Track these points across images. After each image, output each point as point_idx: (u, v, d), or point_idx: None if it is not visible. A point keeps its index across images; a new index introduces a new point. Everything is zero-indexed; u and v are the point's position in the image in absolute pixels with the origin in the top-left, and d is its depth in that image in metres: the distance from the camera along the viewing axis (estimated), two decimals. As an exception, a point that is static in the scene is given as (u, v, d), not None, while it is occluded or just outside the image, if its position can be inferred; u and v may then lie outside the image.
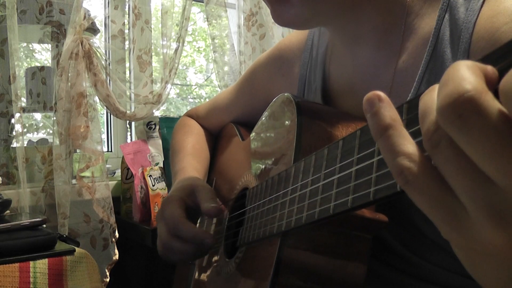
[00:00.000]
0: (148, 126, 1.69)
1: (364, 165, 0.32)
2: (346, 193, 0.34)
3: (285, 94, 0.61)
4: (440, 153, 0.24)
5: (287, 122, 0.58)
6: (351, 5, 0.55)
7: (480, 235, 0.24)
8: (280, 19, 0.56)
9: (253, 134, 0.73)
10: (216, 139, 0.96)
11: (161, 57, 1.73)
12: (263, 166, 0.64)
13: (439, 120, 0.23)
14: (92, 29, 1.55)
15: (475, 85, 0.22)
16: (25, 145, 1.45)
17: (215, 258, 0.73)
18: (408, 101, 0.28)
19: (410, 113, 0.27)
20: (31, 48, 1.78)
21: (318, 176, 0.40)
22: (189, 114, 1.00)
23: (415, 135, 0.26)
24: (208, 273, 0.75)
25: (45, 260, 1.01)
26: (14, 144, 1.43)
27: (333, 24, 0.60)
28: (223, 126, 0.93)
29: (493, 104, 0.21)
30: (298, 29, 0.72)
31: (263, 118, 0.69)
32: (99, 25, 1.64)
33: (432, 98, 0.24)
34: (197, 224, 0.83)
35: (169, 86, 1.71)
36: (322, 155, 0.41)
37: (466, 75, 0.22)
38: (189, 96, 2.68)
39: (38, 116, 1.68)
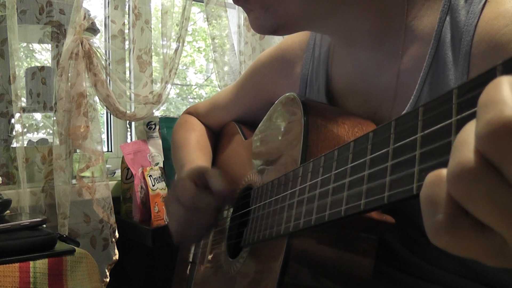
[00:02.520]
0: (148, 126, 1.69)
1: (377, 169, 0.32)
2: (358, 195, 0.34)
3: (290, 93, 0.61)
4: (476, 189, 0.21)
5: (293, 121, 0.58)
6: (328, 10, 0.56)
7: None
8: (253, 27, 0.59)
9: (257, 133, 0.73)
10: (217, 138, 0.95)
11: (161, 57, 1.73)
12: (268, 166, 0.64)
13: (483, 149, 0.21)
14: (92, 29, 1.55)
15: None
16: (25, 145, 1.45)
17: (217, 258, 0.72)
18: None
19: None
20: (31, 48, 1.78)
21: (328, 177, 0.40)
22: (189, 112, 1.00)
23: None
24: (209, 273, 0.75)
25: (45, 260, 1.01)
26: (14, 144, 1.43)
27: (318, 28, 0.62)
28: (223, 125, 0.93)
29: None
30: (274, 35, 0.73)
31: (267, 117, 0.69)
32: (99, 25, 1.64)
33: (469, 134, 0.22)
34: None
35: (169, 86, 1.71)
36: (331, 156, 0.40)
37: (509, 98, 0.20)
38: (189, 96, 2.68)
39: (38, 116, 1.67)
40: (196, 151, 0.86)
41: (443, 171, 0.23)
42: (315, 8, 0.54)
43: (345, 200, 0.36)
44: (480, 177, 0.21)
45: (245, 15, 1.96)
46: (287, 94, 0.62)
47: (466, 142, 0.22)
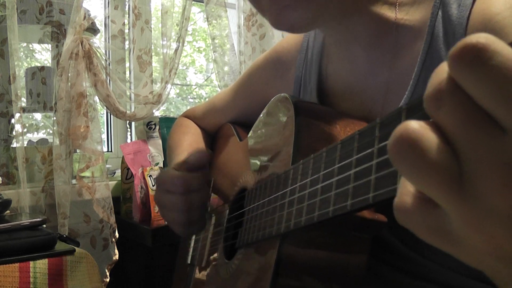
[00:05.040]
0: (148, 126, 1.69)
1: (362, 168, 0.32)
2: (345, 195, 0.34)
3: (283, 94, 0.61)
4: (445, 105, 0.22)
5: (285, 122, 0.58)
6: (348, 5, 0.55)
7: (485, 200, 0.22)
8: (281, 23, 0.55)
9: (251, 134, 0.73)
10: (213, 139, 0.96)
11: (161, 57, 1.73)
12: (262, 167, 0.64)
13: (450, 67, 0.21)
14: (92, 29, 1.55)
15: (488, 36, 0.21)
16: (25, 145, 1.45)
17: (215, 259, 0.73)
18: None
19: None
20: (31, 48, 1.78)
21: (316, 177, 0.40)
22: (186, 115, 1.01)
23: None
24: (207, 274, 0.75)
25: (45, 260, 1.01)
26: (14, 144, 1.43)
27: (330, 25, 0.60)
28: (220, 126, 0.93)
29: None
30: (298, 32, 0.72)
31: (261, 119, 0.69)
32: (99, 25, 1.64)
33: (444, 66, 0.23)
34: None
35: (169, 86, 1.71)
36: (320, 157, 0.41)
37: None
38: (189, 96, 2.69)
39: (38, 116, 1.68)
40: (187, 152, 0.87)
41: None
42: (341, 2, 0.54)
43: (332, 200, 0.36)
44: (450, 93, 0.21)
45: (246, 14, 1.96)
46: (280, 94, 0.62)
47: (440, 71, 0.22)
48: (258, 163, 0.66)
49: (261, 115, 0.69)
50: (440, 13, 0.53)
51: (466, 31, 0.49)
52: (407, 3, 0.57)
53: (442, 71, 0.22)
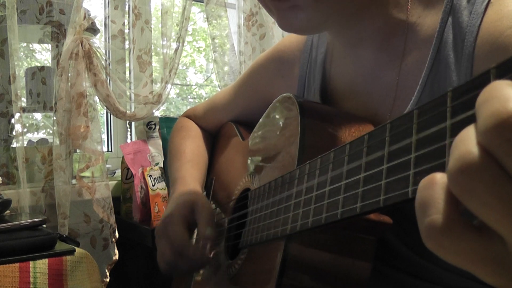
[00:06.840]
0: (148, 126, 1.69)
1: (373, 172, 0.31)
2: (354, 198, 0.34)
3: (287, 94, 0.61)
4: (479, 182, 0.21)
5: (290, 122, 0.58)
6: (358, 8, 0.55)
7: None
8: (289, 26, 0.55)
9: (254, 134, 0.73)
10: (215, 138, 0.95)
11: (161, 57, 1.73)
12: (265, 167, 0.64)
13: (486, 143, 0.21)
14: (92, 29, 1.55)
15: None
16: (25, 145, 1.45)
17: (216, 259, 0.73)
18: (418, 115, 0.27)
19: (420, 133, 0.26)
20: (31, 48, 1.78)
21: (324, 180, 0.40)
22: (187, 115, 1.00)
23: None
24: (209, 274, 0.75)
25: (45, 260, 1.01)
26: (14, 144, 1.43)
27: (338, 28, 0.60)
28: (222, 125, 0.93)
29: None
30: (305, 34, 0.71)
31: (265, 118, 0.69)
32: (99, 25, 1.64)
33: (470, 132, 0.22)
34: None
35: (169, 86, 1.71)
36: (328, 158, 0.40)
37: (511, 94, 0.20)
38: (189, 96, 2.68)
39: (38, 116, 1.67)
40: (189, 164, 0.86)
41: (436, 175, 0.23)
42: (351, 5, 0.54)
43: (341, 203, 0.36)
44: (483, 168, 0.21)
45: (246, 14, 1.96)
46: (285, 94, 0.62)
47: (467, 138, 0.22)
48: (261, 163, 0.66)
49: (265, 116, 0.68)
50: (450, 19, 0.52)
51: (476, 40, 0.49)
52: (419, 6, 0.57)
53: (468, 139, 0.22)
